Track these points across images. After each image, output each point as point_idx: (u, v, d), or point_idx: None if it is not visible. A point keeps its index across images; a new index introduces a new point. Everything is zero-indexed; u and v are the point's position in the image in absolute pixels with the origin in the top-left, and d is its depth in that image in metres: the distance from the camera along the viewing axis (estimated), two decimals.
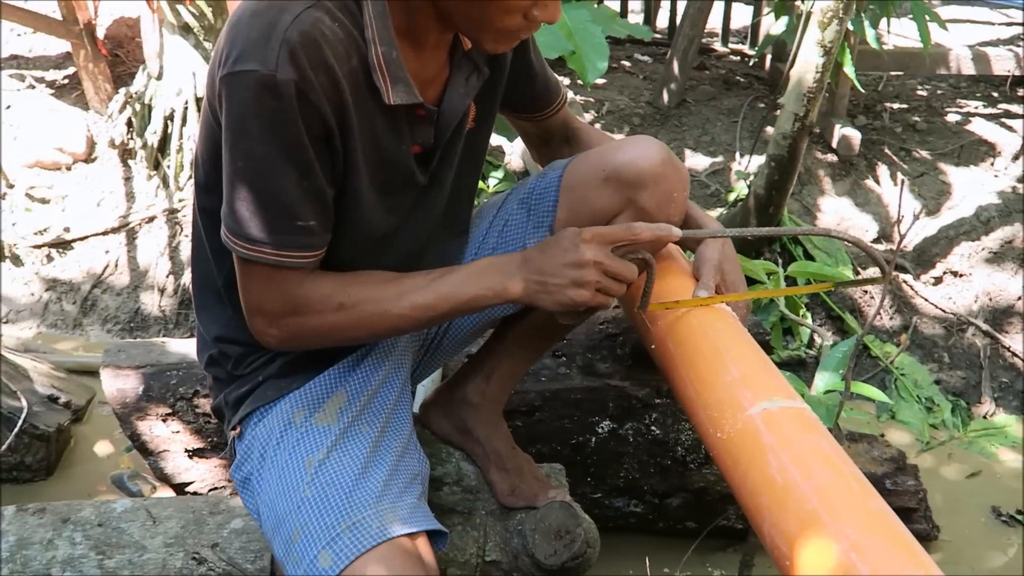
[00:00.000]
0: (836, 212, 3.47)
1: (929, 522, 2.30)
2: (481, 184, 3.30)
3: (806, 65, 2.77)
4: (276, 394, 1.39)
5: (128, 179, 3.59)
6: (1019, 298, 3.22)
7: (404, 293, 1.29)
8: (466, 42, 1.33)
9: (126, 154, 3.63)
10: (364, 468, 1.31)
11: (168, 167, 3.45)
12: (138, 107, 3.58)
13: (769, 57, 4.24)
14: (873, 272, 3.32)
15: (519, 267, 1.30)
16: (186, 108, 3.46)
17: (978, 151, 3.75)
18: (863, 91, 3.67)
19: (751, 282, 2.86)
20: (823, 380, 1.43)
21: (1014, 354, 3.13)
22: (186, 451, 2.05)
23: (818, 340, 3.12)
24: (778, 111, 3.09)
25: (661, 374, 1.47)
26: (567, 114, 1.67)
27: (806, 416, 1.14)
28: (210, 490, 2.10)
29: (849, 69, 2.76)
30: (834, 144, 3.61)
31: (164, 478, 2.10)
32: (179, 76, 3.50)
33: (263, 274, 1.23)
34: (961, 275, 3.31)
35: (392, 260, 1.38)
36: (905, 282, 3.27)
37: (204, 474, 2.08)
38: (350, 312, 1.28)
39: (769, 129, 3.60)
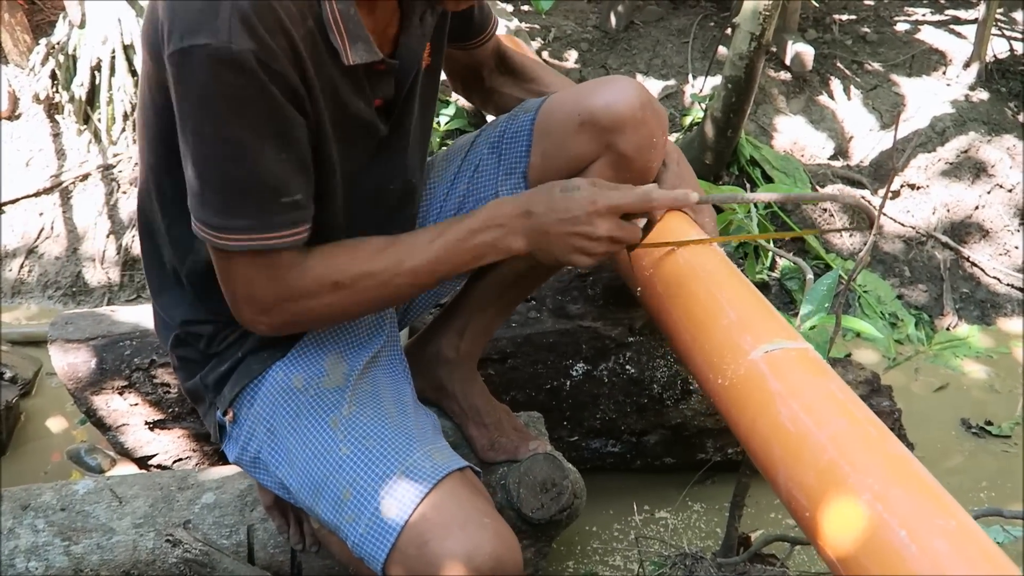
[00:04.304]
0: (792, 131, 3.41)
1: (904, 441, 2.30)
2: None
3: None
4: (262, 366, 1.32)
5: (57, 135, 3.39)
6: (976, 208, 3.22)
7: (402, 260, 1.21)
8: None
9: (53, 109, 3.43)
10: (392, 418, 1.27)
11: (99, 121, 3.27)
12: (61, 58, 3.37)
13: None
14: (836, 191, 3.29)
15: (522, 222, 1.22)
16: (113, 57, 3.27)
17: (929, 60, 3.71)
18: (815, 4, 3.59)
19: (719, 211, 2.80)
20: (808, 316, 1.37)
21: (974, 264, 3.14)
22: (146, 423, 1.96)
23: (780, 262, 3.09)
24: (729, 30, 3.00)
25: (649, 315, 1.41)
26: (498, 39, 1.59)
27: (811, 357, 1.09)
28: (174, 462, 2.01)
29: None
30: (787, 61, 3.53)
31: (125, 452, 2.01)
32: (104, 23, 3.29)
33: (249, 262, 1.13)
34: (918, 188, 3.29)
35: (374, 216, 1.32)
36: (864, 198, 3.25)
37: (167, 446, 1.99)
38: (349, 291, 1.20)
39: (722, 49, 3.51)
